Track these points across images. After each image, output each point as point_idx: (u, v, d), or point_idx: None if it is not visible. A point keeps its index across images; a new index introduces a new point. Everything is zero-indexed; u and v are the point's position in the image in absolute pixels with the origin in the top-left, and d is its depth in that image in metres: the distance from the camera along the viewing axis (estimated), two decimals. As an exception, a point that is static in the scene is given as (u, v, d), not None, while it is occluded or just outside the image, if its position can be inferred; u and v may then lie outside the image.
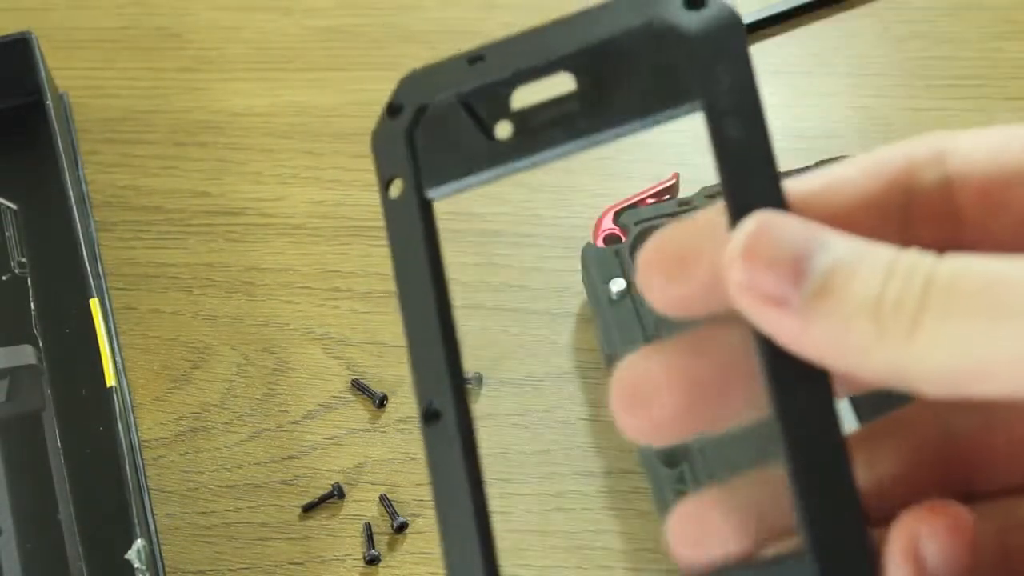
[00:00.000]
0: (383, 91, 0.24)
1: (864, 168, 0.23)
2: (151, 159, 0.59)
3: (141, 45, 0.63)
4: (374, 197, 0.65)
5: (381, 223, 0.54)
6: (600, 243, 0.51)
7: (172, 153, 0.59)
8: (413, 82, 0.24)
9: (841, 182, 0.23)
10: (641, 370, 0.23)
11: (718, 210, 0.22)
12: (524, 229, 0.55)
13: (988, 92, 0.59)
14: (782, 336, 0.21)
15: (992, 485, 0.24)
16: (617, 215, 0.51)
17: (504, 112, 0.23)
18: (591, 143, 0.23)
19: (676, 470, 0.44)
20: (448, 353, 0.23)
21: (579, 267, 0.51)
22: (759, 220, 0.21)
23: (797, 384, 0.21)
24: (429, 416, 0.23)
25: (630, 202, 0.52)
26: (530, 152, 0.23)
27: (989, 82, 0.59)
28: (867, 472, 0.23)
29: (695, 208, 0.50)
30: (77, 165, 0.57)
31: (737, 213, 0.21)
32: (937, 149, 0.22)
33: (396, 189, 0.24)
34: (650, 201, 0.52)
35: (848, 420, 0.45)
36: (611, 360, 0.48)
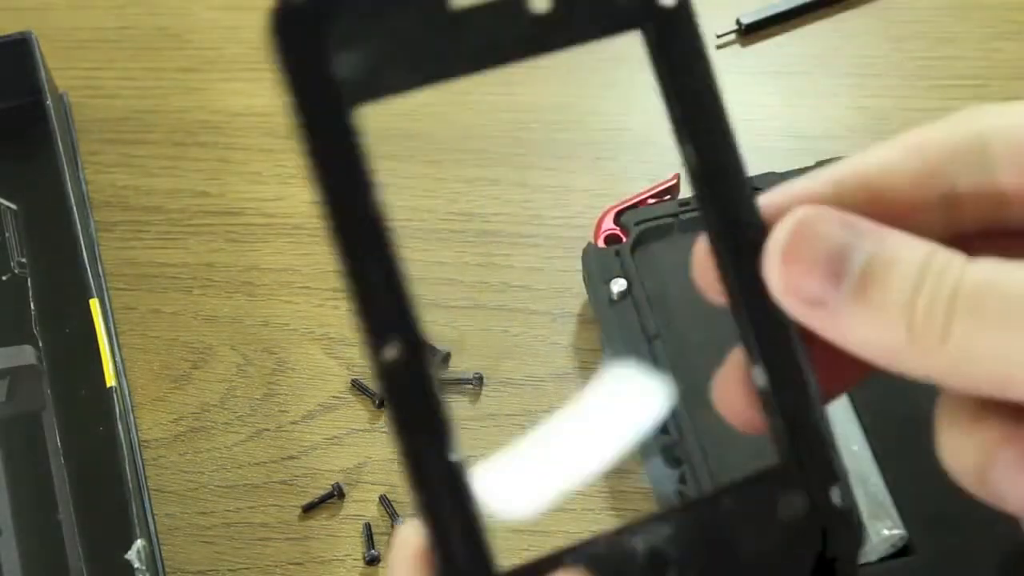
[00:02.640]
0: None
1: (906, 151, 0.23)
2: (151, 159, 0.59)
3: (141, 45, 0.63)
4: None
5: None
6: (601, 243, 0.50)
7: (172, 153, 0.59)
8: None
9: (884, 164, 0.23)
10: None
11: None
12: (524, 229, 0.55)
13: (988, 92, 0.59)
14: (824, 332, 0.22)
15: None
16: (618, 215, 0.51)
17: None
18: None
19: (677, 471, 0.44)
20: None
21: (580, 267, 0.51)
22: (798, 220, 0.22)
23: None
24: None
25: (631, 202, 0.52)
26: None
27: (989, 82, 0.59)
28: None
29: (696, 208, 0.50)
30: (77, 165, 0.57)
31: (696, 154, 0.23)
32: (976, 131, 0.23)
33: None
34: (651, 201, 0.52)
35: (850, 422, 0.45)
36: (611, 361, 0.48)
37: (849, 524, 0.23)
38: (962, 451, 0.22)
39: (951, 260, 0.21)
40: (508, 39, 0.22)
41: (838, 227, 0.21)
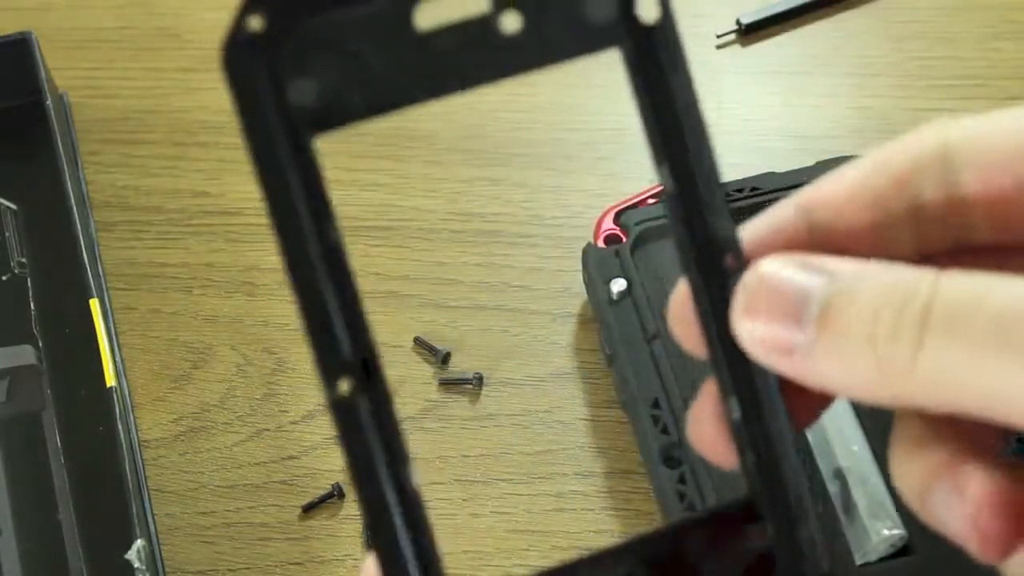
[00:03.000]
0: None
1: (871, 167, 0.23)
2: (151, 159, 0.59)
3: (141, 45, 0.63)
4: (374, 197, 0.65)
5: (381, 223, 0.54)
6: (601, 243, 0.50)
7: (172, 153, 0.59)
8: None
9: (849, 184, 0.23)
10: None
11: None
12: (524, 229, 0.55)
13: (988, 92, 0.59)
14: (797, 377, 0.21)
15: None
16: (618, 215, 0.51)
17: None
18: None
19: (677, 471, 0.44)
20: None
21: (579, 267, 0.51)
22: (757, 271, 0.22)
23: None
24: None
25: (631, 202, 0.52)
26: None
27: (989, 82, 0.59)
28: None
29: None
30: (77, 165, 0.57)
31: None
32: (941, 142, 0.22)
33: None
34: (651, 201, 0.52)
35: (850, 422, 0.45)
36: (611, 360, 0.48)
37: (814, 559, 0.22)
38: (907, 473, 0.22)
39: (920, 279, 0.20)
40: (478, 61, 0.21)
41: (797, 271, 0.21)
